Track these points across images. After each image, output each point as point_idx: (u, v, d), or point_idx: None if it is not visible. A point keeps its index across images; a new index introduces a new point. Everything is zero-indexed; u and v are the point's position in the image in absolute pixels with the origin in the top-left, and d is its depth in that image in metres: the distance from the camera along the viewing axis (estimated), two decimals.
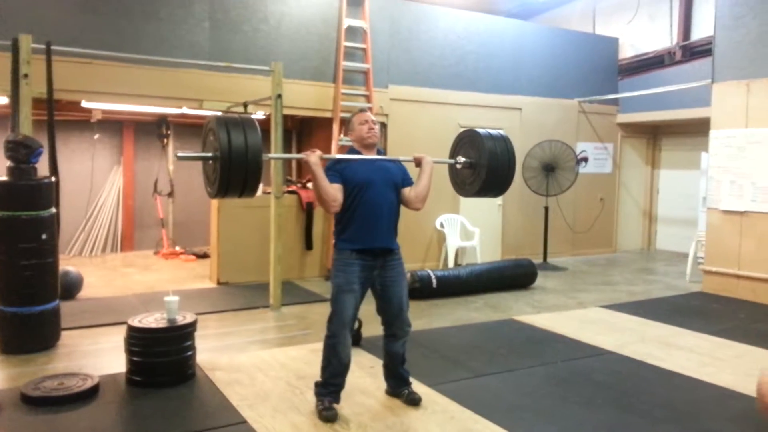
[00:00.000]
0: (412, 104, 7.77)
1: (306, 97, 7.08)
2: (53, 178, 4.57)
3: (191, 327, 3.80)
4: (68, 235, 8.32)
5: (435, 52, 8.00)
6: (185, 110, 7.27)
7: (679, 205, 9.65)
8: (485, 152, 3.47)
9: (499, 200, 8.66)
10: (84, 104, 6.94)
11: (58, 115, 6.43)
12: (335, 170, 3.25)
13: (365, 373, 3.88)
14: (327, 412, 3.19)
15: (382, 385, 3.62)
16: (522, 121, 8.76)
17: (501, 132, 3.65)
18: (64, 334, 4.58)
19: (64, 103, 7.05)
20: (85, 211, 8.63)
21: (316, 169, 3.13)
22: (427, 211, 7.91)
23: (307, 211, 7.16)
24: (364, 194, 3.21)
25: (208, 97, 6.60)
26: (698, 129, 8.24)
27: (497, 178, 3.53)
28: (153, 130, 9.03)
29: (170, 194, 9.13)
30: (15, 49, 4.61)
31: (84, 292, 6.07)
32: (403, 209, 3.41)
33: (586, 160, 9.39)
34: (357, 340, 4.35)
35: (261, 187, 7.33)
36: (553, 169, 8.41)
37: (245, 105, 6.73)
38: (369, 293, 3.35)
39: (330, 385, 3.27)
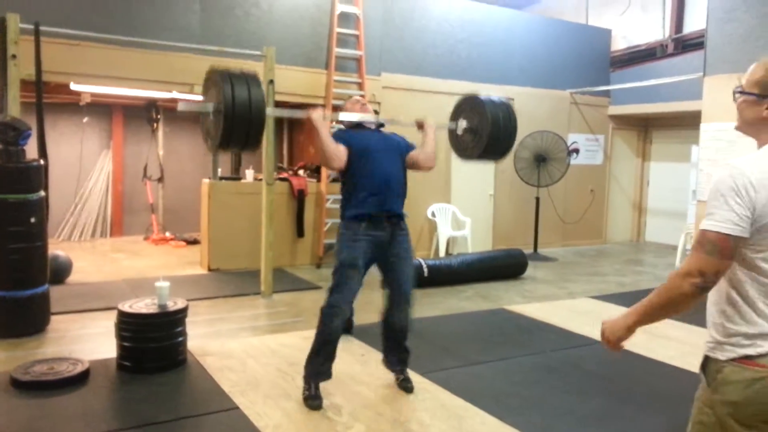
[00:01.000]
0: (404, 92, 7.74)
1: (298, 83, 7.03)
2: (42, 161, 4.52)
3: (182, 313, 3.79)
4: (57, 219, 8.25)
5: (427, 40, 7.97)
6: (175, 94, 7.19)
7: (669, 198, 9.72)
8: (487, 118, 3.45)
9: (490, 190, 8.69)
10: (73, 87, 6.84)
11: (47, 98, 6.34)
12: (339, 136, 3.27)
13: (356, 361, 3.89)
14: (313, 401, 3.19)
15: (374, 372, 3.64)
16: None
17: (503, 98, 3.63)
18: (53, 318, 4.55)
19: (53, 86, 6.95)
20: (74, 195, 8.55)
21: (320, 125, 3.13)
22: (419, 201, 7.94)
23: (299, 198, 7.14)
24: (370, 159, 3.23)
25: (198, 82, 6.36)
26: (689, 122, 8.28)
27: (499, 145, 3.52)
28: (143, 114, 8.95)
29: (160, 179, 9.06)
30: (2, 29, 4.53)
31: (73, 277, 6.03)
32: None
33: (577, 151, 9.42)
34: (348, 328, 4.35)
35: (252, 173, 7.34)
36: (545, 159, 8.43)
37: None
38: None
39: (318, 373, 3.22)
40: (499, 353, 4.24)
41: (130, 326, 3.62)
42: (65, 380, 3.37)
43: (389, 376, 3.54)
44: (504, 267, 6.89)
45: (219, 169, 7.28)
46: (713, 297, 1.60)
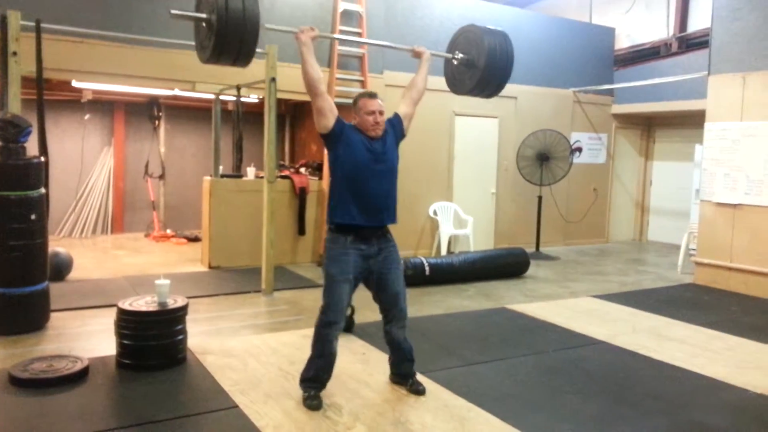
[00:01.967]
0: (403, 90, 7.68)
1: (300, 81, 6.85)
2: (43, 158, 4.50)
3: (182, 311, 3.76)
4: (58, 216, 8.24)
5: (431, 38, 7.92)
6: (177, 92, 7.18)
7: (672, 197, 9.68)
8: (484, 50, 3.39)
9: (492, 188, 8.65)
10: (74, 84, 6.83)
11: (48, 95, 6.34)
12: (340, 119, 3.18)
13: (357, 360, 3.87)
14: (311, 401, 3.16)
15: (375, 371, 3.61)
16: (517, 109, 8.73)
17: (500, 29, 3.57)
18: (53, 315, 4.54)
19: (54, 83, 6.94)
20: (76, 192, 8.54)
21: (305, 50, 3.08)
22: (420, 199, 7.92)
23: (300, 196, 7.12)
24: (361, 178, 3.14)
25: (200, 79, 6.51)
26: (693, 121, 8.24)
27: (494, 78, 3.46)
28: (144, 112, 8.94)
29: (161, 176, 9.05)
30: (3, 26, 4.51)
31: (74, 274, 6.01)
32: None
33: (580, 150, 9.39)
34: (349, 327, 4.33)
35: (254, 171, 7.31)
36: (547, 158, 8.39)
37: (238, 88, 6.65)
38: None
39: (316, 381, 3.23)
40: (501, 353, 4.21)
41: (129, 324, 3.59)
42: (64, 378, 3.35)
43: (391, 376, 3.53)
44: (506, 266, 6.86)
45: (220, 167, 7.26)
46: None
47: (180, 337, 3.75)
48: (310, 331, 3.32)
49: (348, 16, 7.24)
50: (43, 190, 4.37)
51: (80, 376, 3.42)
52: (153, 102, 8.80)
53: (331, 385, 3.32)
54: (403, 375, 3.46)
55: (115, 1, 6.11)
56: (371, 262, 3.20)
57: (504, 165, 8.66)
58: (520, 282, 6.69)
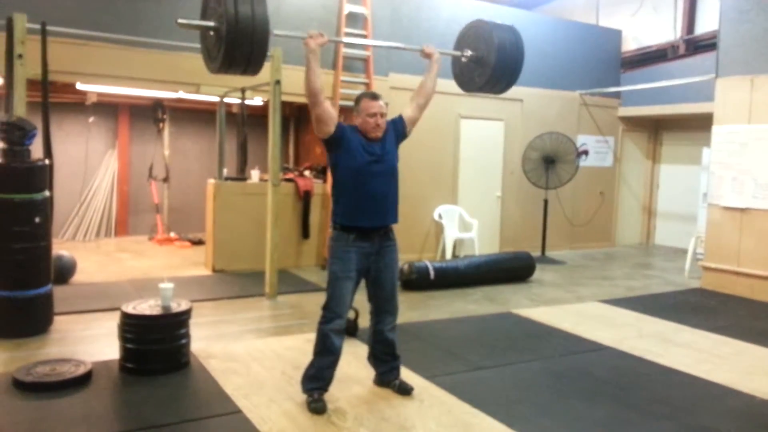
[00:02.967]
0: (412, 94, 7.66)
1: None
2: (47, 161, 4.50)
3: (186, 315, 3.75)
4: (62, 219, 8.25)
5: (436, 40, 7.88)
6: (182, 94, 7.18)
7: (679, 201, 9.61)
8: (493, 46, 3.34)
9: (498, 192, 8.62)
10: (79, 86, 6.84)
11: (53, 97, 6.33)
12: (339, 124, 3.17)
13: (362, 364, 3.83)
14: (315, 404, 3.15)
15: None
16: (523, 112, 8.70)
17: (510, 25, 3.50)
18: (56, 319, 4.53)
19: (59, 85, 6.94)
20: (80, 195, 8.55)
21: (311, 57, 3.05)
22: (425, 202, 7.89)
23: (305, 199, 7.10)
24: (361, 181, 3.16)
25: (205, 82, 6.49)
26: (700, 124, 8.19)
27: (504, 74, 3.41)
28: (149, 114, 8.94)
29: (165, 179, 9.04)
30: (9, 29, 4.52)
31: (77, 277, 6.01)
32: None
33: (586, 153, 9.34)
34: (353, 331, 4.31)
35: (258, 174, 7.30)
36: (553, 161, 8.35)
37: (243, 90, 6.65)
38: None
39: (319, 379, 3.21)
40: (506, 358, 4.17)
41: (133, 328, 3.58)
42: (67, 382, 3.34)
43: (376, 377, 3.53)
44: (511, 270, 6.82)
45: (225, 170, 7.25)
46: None
47: (183, 341, 3.73)
48: (314, 336, 3.30)
49: (353, 19, 7.22)
50: (47, 193, 4.36)
51: (83, 380, 3.40)
52: (157, 105, 8.81)
53: (335, 389, 3.30)
54: (387, 369, 3.45)
55: (121, 4, 6.12)
56: (371, 259, 3.23)
57: (510, 168, 8.62)
58: (526, 286, 6.65)
